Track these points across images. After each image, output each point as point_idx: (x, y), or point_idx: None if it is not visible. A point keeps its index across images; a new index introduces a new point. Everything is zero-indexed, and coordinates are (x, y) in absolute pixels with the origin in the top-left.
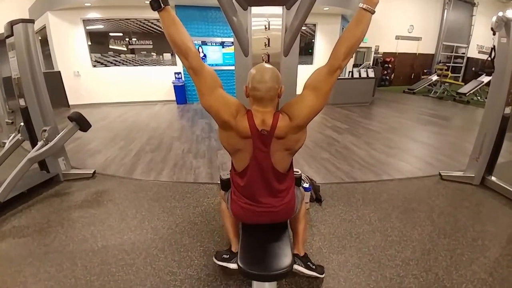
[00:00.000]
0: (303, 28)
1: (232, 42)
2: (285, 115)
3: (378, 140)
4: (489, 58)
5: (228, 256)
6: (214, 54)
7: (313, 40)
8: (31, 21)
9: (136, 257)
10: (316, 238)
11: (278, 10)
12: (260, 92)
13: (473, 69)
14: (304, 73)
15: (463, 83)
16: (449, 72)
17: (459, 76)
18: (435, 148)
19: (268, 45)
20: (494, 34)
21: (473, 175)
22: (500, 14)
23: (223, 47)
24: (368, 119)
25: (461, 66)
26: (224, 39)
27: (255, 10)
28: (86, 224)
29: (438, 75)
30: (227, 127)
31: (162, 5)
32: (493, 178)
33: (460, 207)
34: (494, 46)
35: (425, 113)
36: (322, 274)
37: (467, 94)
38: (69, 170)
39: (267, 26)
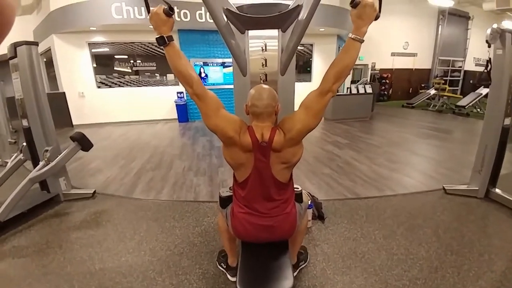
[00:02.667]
0: (301, 48)
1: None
2: (280, 130)
3: (379, 154)
4: (485, 70)
5: (225, 267)
6: (215, 74)
7: (310, 59)
8: (35, 43)
9: (134, 280)
10: (320, 258)
11: (274, 32)
12: (258, 108)
13: (471, 82)
14: (303, 90)
15: (461, 96)
16: (446, 86)
17: (457, 89)
18: (437, 162)
19: (266, 65)
20: (489, 46)
21: (477, 188)
22: (495, 26)
23: (223, 67)
24: (368, 134)
25: (459, 80)
26: (225, 60)
27: (252, 33)
28: (84, 246)
29: (435, 89)
30: (232, 143)
31: (167, 41)
32: (497, 190)
33: (465, 222)
34: (489, 58)
35: (426, 126)
36: (306, 260)
37: (466, 107)
38: (70, 190)
39: (263, 48)
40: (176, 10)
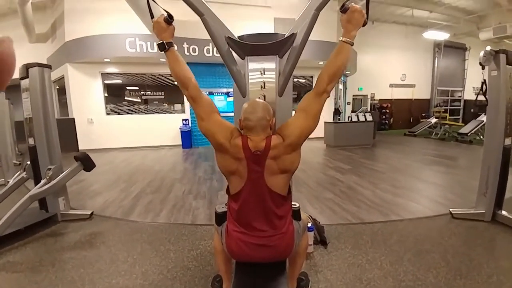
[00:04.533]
0: (302, 80)
1: None
2: (278, 136)
3: (383, 180)
4: (481, 92)
5: None
6: (220, 103)
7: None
8: (48, 66)
9: None
10: (322, 285)
11: (271, 58)
12: (251, 122)
13: (472, 110)
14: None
15: (463, 124)
16: (447, 114)
17: (458, 118)
18: (442, 187)
19: (264, 87)
20: (483, 68)
21: (483, 211)
22: (488, 48)
23: (228, 97)
24: (371, 160)
25: (459, 109)
26: (229, 90)
27: (251, 59)
28: (76, 266)
29: (436, 118)
30: (223, 150)
31: (166, 47)
32: (503, 212)
33: (473, 245)
34: (484, 80)
35: (429, 153)
36: (308, 287)
37: (469, 134)
38: (68, 211)
39: (262, 72)
40: (185, 45)
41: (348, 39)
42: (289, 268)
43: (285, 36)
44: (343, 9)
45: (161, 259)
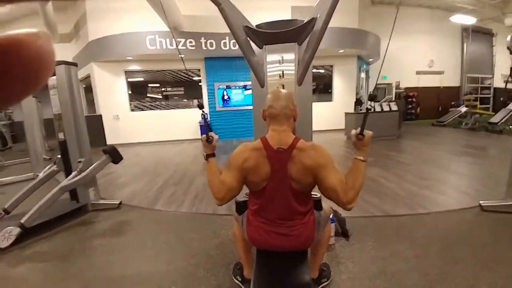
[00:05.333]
0: (321, 70)
1: None
2: (309, 143)
3: (408, 172)
4: (510, 78)
5: (240, 279)
6: (237, 96)
7: (331, 81)
8: (75, 64)
9: None
10: (344, 277)
11: (290, 46)
12: (275, 109)
13: (501, 99)
14: (325, 108)
15: (493, 113)
16: (477, 103)
17: (488, 107)
18: (471, 179)
19: (283, 76)
20: (511, 53)
21: None
22: None
23: (245, 90)
24: (396, 151)
25: (489, 97)
26: (246, 83)
27: (269, 47)
28: (105, 253)
29: (466, 106)
30: (249, 166)
31: (205, 158)
32: None
33: (502, 238)
34: None
35: (458, 144)
36: (329, 277)
37: (499, 123)
38: (98, 201)
39: (281, 60)
40: (202, 40)
41: (366, 158)
42: (311, 257)
43: (304, 21)
44: (361, 137)
45: (185, 246)
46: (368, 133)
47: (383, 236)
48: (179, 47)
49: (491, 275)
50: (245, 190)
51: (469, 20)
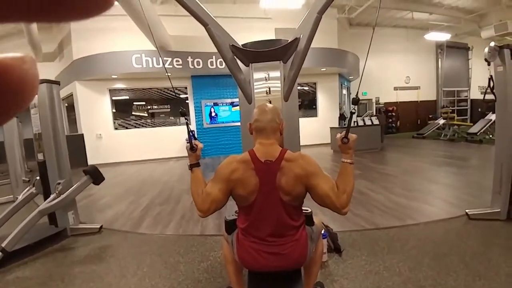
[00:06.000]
0: (305, 88)
1: None
2: (297, 154)
3: (395, 183)
4: (489, 88)
5: None
6: (224, 113)
7: (315, 98)
8: (57, 82)
9: None
10: None
11: (275, 64)
12: (261, 123)
13: (479, 110)
14: (310, 124)
15: (472, 124)
16: (454, 115)
17: (466, 118)
18: (456, 188)
19: (269, 93)
20: (488, 64)
21: (499, 210)
22: (492, 44)
23: (232, 107)
24: (381, 164)
25: (467, 109)
26: (233, 100)
27: (256, 65)
28: (85, 280)
29: (444, 118)
30: (236, 177)
31: (189, 168)
32: None
33: (491, 245)
34: (491, 76)
35: (439, 155)
36: None
37: (478, 134)
38: (77, 225)
39: (267, 77)
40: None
41: (353, 161)
42: (305, 277)
43: (289, 41)
44: (346, 141)
45: (171, 271)
46: (352, 136)
47: (375, 250)
48: (166, 65)
49: (484, 283)
50: (235, 208)
51: (444, 36)
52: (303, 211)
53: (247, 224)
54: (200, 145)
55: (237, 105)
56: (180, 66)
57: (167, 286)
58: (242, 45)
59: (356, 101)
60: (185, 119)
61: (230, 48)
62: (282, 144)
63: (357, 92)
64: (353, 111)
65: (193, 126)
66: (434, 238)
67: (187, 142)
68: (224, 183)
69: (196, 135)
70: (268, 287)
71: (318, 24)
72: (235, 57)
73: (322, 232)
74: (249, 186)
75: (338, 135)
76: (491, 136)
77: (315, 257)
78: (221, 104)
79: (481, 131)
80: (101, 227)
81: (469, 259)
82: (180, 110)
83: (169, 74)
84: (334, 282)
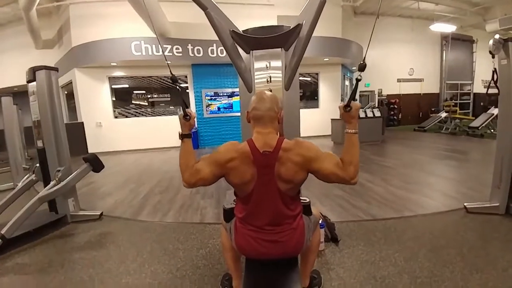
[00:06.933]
0: (307, 78)
1: None
2: (293, 142)
3: (394, 176)
4: (492, 81)
5: None
6: (225, 103)
7: (317, 89)
8: (55, 69)
9: None
10: (335, 283)
11: (277, 51)
12: (259, 111)
13: (482, 104)
14: (312, 115)
15: (473, 118)
16: (457, 108)
17: (468, 112)
18: (456, 182)
19: (270, 81)
20: (493, 57)
21: (498, 204)
22: (497, 36)
23: (233, 97)
24: (381, 156)
25: (469, 102)
26: (234, 89)
27: (256, 53)
28: (85, 266)
29: (446, 112)
30: (232, 165)
31: (180, 138)
32: None
33: (489, 239)
34: (495, 69)
35: (440, 148)
36: (320, 285)
37: (480, 128)
38: (78, 212)
39: (268, 66)
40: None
41: (357, 131)
42: (301, 265)
43: (291, 27)
44: (349, 109)
45: (170, 258)
46: (355, 104)
47: (372, 240)
48: (166, 53)
49: (481, 276)
50: (233, 196)
51: (449, 28)
52: (301, 200)
53: (245, 214)
54: (194, 114)
55: (237, 95)
56: (180, 54)
57: (166, 272)
58: (242, 31)
59: (362, 67)
60: (176, 85)
61: (230, 33)
62: (281, 133)
63: (364, 58)
64: (359, 77)
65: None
66: (431, 230)
67: (180, 112)
68: (218, 168)
69: (196, 125)
70: (265, 274)
71: (322, 9)
72: (235, 43)
73: (320, 222)
74: (244, 177)
75: (341, 104)
76: (492, 130)
77: (312, 246)
78: (221, 94)
79: (483, 125)
80: (101, 214)
81: (466, 252)
82: (171, 77)
83: (169, 62)
84: (330, 270)
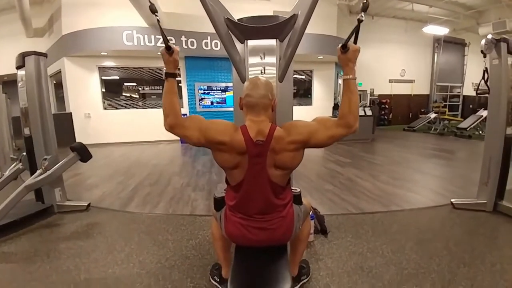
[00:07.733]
0: (301, 76)
1: None
2: (283, 129)
3: (382, 172)
4: (483, 80)
5: (218, 280)
6: (218, 97)
7: (310, 87)
8: (44, 55)
9: None
10: (323, 273)
11: (272, 42)
12: (253, 98)
13: (470, 106)
14: (305, 113)
15: (462, 119)
16: (446, 109)
17: (457, 114)
18: (442, 179)
19: (264, 72)
20: (484, 56)
21: (485, 201)
22: (489, 36)
23: (226, 91)
24: (371, 154)
25: (458, 105)
26: (228, 84)
27: (251, 42)
28: (71, 256)
29: (435, 113)
30: (222, 148)
31: (164, 77)
32: (504, 202)
33: (476, 234)
34: (486, 68)
35: (428, 147)
36: (309, 274)
37: (468, 129)
38: (64, 202)
39: (262, 56)
40: (183, 38)
41: (355, 76)
42: (291, 254)
43: (286, 18)
44: (346, 50)
45: (159, 248)
46: (354, 46)
47: (360, 233)
48: (158, 44)
49: (468, 270)
50: (224, 186)
51: (442, 31)
52: (292, 190)
53: (235, 202)
54: (177, 48)
55: (231, 90)
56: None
57: (155, 262)
58: (237, 19)
59: (366, 7)
60: (155, 15)
61: (225, 21)
62: (274, 121)
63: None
64: (361, 18)
65: (185, 110)
66: (418, 225)
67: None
68: (206, 141)
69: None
70: (255, 263)
71: (317, 1)
72: (230, 32)
73: (310, 213)
74: (229, 163)
75: (339, 46)
76: (480, 132)
77: (302, 236)
78: (215, 88)
79: (471, 126)
80: (88, 205)
81: (453, 246)
82: (149, 5)
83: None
84: (319, 260)
